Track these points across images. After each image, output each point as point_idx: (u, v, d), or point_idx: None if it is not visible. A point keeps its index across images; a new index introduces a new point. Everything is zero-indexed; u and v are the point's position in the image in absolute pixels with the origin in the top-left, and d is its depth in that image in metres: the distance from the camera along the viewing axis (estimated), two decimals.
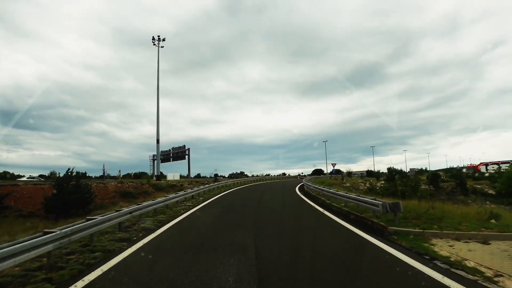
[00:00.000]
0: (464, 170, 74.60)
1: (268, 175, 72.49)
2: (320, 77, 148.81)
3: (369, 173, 76.68)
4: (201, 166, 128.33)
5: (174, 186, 34.96)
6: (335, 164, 46.57)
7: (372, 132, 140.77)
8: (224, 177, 71.97)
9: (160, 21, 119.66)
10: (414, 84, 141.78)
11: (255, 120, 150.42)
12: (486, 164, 75.33)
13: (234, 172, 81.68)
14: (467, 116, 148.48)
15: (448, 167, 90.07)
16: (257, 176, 68.85)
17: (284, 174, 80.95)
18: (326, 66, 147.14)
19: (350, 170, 71.09)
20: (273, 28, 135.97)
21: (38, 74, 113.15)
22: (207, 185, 24.99)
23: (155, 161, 58.94)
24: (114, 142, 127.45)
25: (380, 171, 76.90)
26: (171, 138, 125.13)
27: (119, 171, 58.63)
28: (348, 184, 43.32)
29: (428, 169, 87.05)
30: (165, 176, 50.12)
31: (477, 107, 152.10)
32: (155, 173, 48.60)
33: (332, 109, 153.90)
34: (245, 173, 78.30)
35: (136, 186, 33.97)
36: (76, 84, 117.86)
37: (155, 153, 58.77)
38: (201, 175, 72.48)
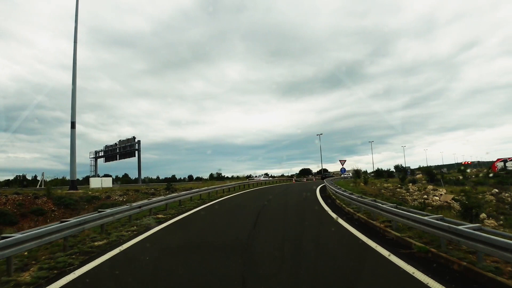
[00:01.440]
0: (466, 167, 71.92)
1: (249, 176, 64.17)
2: (299, 77, 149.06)
3: (378, 173, 69.62)
4: (179, 167, 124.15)
5: (94, 199, 23.47)
6: (344, 161, 37.49)
7: (351, 131, 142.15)
8: (201, 178, 65.45)
9: (137, 20, 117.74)
10: (391, 84, 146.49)
11: (235, 121, 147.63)
12: (505, 160, 69.95)
13: (213, 174, 76.38)
14: (442, 115, 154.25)
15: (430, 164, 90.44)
16: (237, 177, 61.65)
17: (267, 175, 73.54)
18: (305, 66, 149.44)
19: (358, 169, 63.49)
20: (252, 28, 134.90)
21: (12, 75, 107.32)
22: (144, 202, 12.46)
23: (96, 160, 49.08)
24: (91, 144, 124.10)
25: (390, 169, 72.35)
26: (149, 139, 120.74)
27: (42, 174, 43.85)
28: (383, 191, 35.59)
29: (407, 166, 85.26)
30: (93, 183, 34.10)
31: (452, 106, 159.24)
32: (71, 177, 28.58)
33: (311, 109, 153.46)
34: (224, 175, 72.74)
35: (26, 200, 20.94)
36: (52, 85, 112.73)
37: (101, 148, 49.67)
38: (162, 178, 66.07)
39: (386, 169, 75.02)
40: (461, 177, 55.04)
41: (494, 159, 76.96)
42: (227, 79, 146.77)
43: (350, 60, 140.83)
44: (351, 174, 46.88)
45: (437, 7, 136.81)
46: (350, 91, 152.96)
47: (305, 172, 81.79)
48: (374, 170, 76.30)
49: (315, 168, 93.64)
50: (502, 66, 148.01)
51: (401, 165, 65.24)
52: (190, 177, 72.90)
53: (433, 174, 57.09)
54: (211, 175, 75.32)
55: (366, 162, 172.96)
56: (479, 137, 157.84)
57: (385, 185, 42.46)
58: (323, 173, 70.73)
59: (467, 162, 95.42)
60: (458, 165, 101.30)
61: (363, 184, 32.11)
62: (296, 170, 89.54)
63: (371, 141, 77.34)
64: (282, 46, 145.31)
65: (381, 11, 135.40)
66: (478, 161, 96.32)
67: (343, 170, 40.68)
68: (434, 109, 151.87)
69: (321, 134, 67.14)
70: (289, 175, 69.24)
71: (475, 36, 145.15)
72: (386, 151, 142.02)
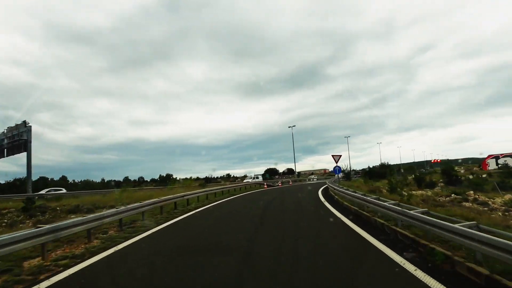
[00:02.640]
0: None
1: (203, 181, 51.38)
2: (263, 77, 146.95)
3: (370, 173, 51.01)
4: (142, 168, 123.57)
5: None
6: (339, 156, 26.02)
7: (314, 131, 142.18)
8: (145, 181, 59.00)
9: (96, 15, 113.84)
10: (352, 85, 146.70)
11: (198, 121, 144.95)
12: (496, 157, 70.82)
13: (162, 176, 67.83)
14: (399, 116, 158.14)
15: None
16: (196, 179, 47.22)
17: (229, 175, 65.73)
18: (268, 67, 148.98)
19: (349, 169, 52.22)
20: (215, 27, 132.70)
21: None
22: None
23: None
24: (48, 145, 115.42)
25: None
26: (110, 139, 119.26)
27: None
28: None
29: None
30: None
31: (409, 107, 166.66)
32: None
33: (274, 109, 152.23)
34: (176, 177, 58.08)
35: None
36: (3, 81, 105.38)
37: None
38: (107, 181, 57.06)
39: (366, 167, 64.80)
40: (471, 177, 47.26)
41: (453, 158, 76.98)
42: (189, 79, 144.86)
43: (312, 61, 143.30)
44: (341, 175, 37.72)
45: (396, 10, 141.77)
46: (312, 91, 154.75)
47: (271, 172, 74.15)
48: (360, 169, 69.67)
49: (280, 168, 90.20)
50: (455, 69, 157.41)
51: (387, 162, 58.10)
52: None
53: (452, 175, 45.12)
54: (161, 177, 69.11)
55: (326, 161, 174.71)
56: (432, 137, 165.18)
57: (415, 192, 25.47)
58: (297, 173, 63.87)
59: (436, 160, 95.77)
60: (427, 163, 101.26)
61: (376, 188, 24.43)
62: (258, 170, 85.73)
63: (347, 136, 69.42)
64: (246, 46, 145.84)
65: (342, 13, 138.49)
66: (448, 159, 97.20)
67: (337, 170, 27.94)
68: (392, 110, 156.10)
69: (294, 126, 60.33)
70: (254, 176, 52.39)
71: (431, 40, 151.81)
72: (347, 150, 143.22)
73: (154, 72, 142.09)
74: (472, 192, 28.00)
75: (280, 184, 45.62)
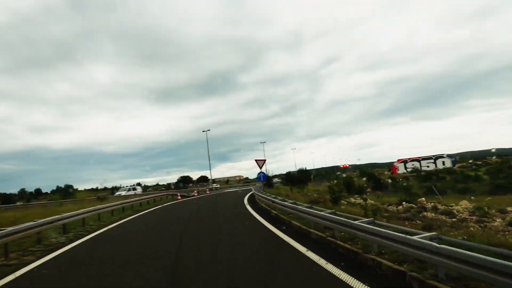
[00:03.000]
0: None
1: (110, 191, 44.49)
2: (174, 83, 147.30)
3: (290, 179, 44.09)
4: (43, 178, 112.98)
5: None
6: (263, 161, 23.12)
7: (225, 138, 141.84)
8: (45, 193, 53.47)
9: None
10: (263, 93, 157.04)
11: (106, 127, 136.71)
12: (405, 161, 78.05)
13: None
14: (308, 124, 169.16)
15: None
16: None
17: (139, 184, 56.53)
18: (179, 72, 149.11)
19: (269, 175, 42.88)
20: (124, 30, 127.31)
21: None
22: None
23: None
24: None
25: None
26: (5, 148, 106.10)
27: None
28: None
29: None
30: None
31: (317, 115, 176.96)
32: None
33: (185, 116, 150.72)
34: (76, 188, 52.31)
35: None
36: None
37: None
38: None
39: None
40: (389, 181, 47.71)
41: (359, 163, 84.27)
42: (96, 82, 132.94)
43: (224, 68, 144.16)
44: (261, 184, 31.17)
45: (304, 23, 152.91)
46: (223, 99, 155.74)
47: (184, 180, 71.72)
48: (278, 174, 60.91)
49: (194, 176, 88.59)
50: (358, 80, 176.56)
51: (305, 167, 54.81)
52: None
53: (377, 179, 45.08)
54: (59, 188, 61.63)
55: (239, 168, 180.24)
56: (339, 143, 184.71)
57: (355, 201, 23.42)
58: (212, 180, 59.85)
59: (346, 165, 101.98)
60: (337, 168, 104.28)
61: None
62: (171, 178, 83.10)
63: (263, 142, 69.24)
64: (156, 51, 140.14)
65: (254, 23, 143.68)
66: (356, 164, 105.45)
67: (261, 177, 23.78)
68: (301, 118, 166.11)
69: (209, 130, 55.18)
70: (130, 187, 46.56)
71: (336, 53, 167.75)
72: (261, 157, 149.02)
73: (57, 74, 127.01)
74: (423, 199, 25.51)
75: (196, 194, 39.00)
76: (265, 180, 26.26)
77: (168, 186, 67.92)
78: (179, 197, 33.44)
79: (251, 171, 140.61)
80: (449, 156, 72.01)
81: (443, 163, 71.08)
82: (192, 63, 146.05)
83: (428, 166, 71.15)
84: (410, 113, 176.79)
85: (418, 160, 76.21)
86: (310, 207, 10.47)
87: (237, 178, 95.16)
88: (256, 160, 21.93)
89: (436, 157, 72.80)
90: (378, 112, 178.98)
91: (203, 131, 54.72)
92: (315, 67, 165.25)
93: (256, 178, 27.02)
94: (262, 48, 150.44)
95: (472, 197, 27.71)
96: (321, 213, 8.67)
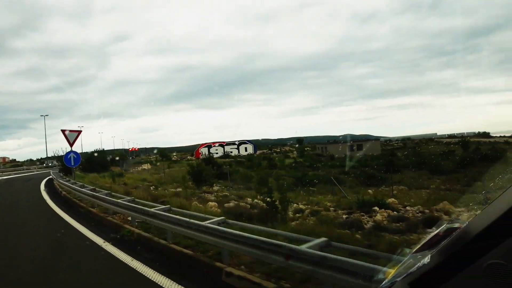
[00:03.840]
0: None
1: None
2: None
3: (89, 162, 34.36)
4: None
5: None
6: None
7: None
8: None
9: None
10: (40, 64, 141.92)
11: None
12: (209, 146, 78.42)
13: None
14: (91, 102, 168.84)
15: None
16: None
17: None
18: None
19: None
20: None
21: None
22: None
23: None
24: None
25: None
26: None
27: None
28: None
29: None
30: None
31: (102, 94, 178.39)
32: None
33: None
34: None
35: None
36: None
37: None
38: None
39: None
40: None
41: (142, 146, 78.26)
42: None
43: None
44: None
45: None
46: None
47: None
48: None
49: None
50: (146, 63, 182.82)
51: (103, 148, 46.97)
52: None
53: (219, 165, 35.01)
54: None
55: (2, 148, 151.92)
56: (123, 126, 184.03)
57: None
58: None
59: (134, 148, 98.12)
60: (126, 151, 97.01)
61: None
62: None
63: (44, 115, 56.86)
64: None
65: None
66: (146, 148, 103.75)
67: (73, 159, 14.56)
68: (84, 95, 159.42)
69: None
70: None
71: (127, 31, 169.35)
72: (28, 136, 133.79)
73: None
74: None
75: None
76: (78, 163, 15.66)
77: None
78: None
79: (18, 152, 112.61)
80: (250, 142, 76.22)
81: (246, 149, 74.07)
82: None
83: (231, 152, 72.28)
84: (194, 101, 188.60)
85: (222, 145, 76.07)
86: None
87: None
88: (64, 132, 14.10)
89: (240, 143, 75.62)
90: (163, 97, 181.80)
91: None
92: (104, 43, 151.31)
93: (63, 160, 18.05)
94: (44, 12, 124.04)
95: None
96: (119, 201, 8.13)
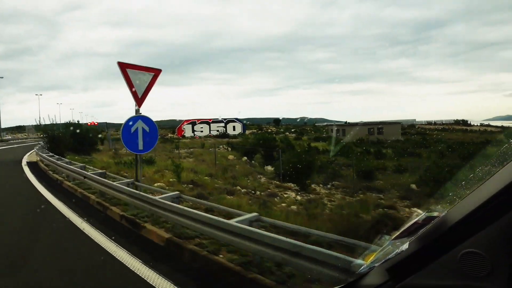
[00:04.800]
0: None
1: None
2: None
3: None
4: None
5: None
6: None
7: None
8: None
9: None
10: None
11: None
12: (193, 123, 70.41)
13: None
14: (39, 73, 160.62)
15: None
16: None
17: None
18: None
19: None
20: None
21: None
22: None
23: None
24: None
25: None
26: None
27: None
28: None
29: None
30: None
31: (51, 65, 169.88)
32: None
33: None
34: None
35: None
36: None
37: None
38: None
39: None
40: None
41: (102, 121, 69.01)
42: None
43: None
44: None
45: None
46: None
47: None
48: None
49: None
50: (102, 36, 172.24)
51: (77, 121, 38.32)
52: None
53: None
54: None
55: None
56: (74, 99, 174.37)
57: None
58: None
59: (94, 123, 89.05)
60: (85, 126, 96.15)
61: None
62: None
63: None
64: None
65: None
66: (106, 123, 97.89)
67: (132, 135, 7.29)
68: (31, 65, 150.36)
69: None
70: None
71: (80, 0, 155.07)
72: None
73: None
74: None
75: None
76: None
77: None
78: None
79: None
80: (238, 120, 69.70)
81: (234, 128, 68.33)
82: None
83: (218, 130, 66.50)
84: None
85: (208, 122, 69.64)
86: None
87: None
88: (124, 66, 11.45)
89: (227, 121, 68.98)
90: (118, 71, 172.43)
91: None
92: (55, 11, 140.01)
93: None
94: None
95: None
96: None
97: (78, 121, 35.49)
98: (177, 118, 68.22)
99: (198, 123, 71.38)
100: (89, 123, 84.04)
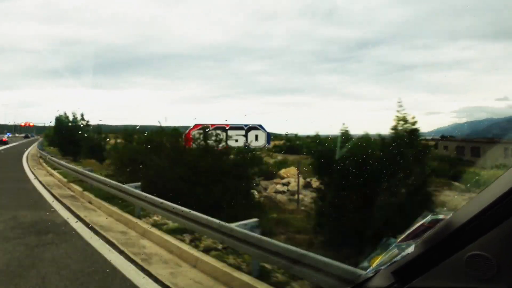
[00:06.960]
0: None
1: None
2: None
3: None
4: None
5: None
6: None
7: None
8: None
9: None
10: None
11: None
12: (204, 128, 73.06)
13: None
14: None
15: None
16: None
17: None
18: None
19: None
20: None
21: None
22: None
23: None
24: None
25: None
26: None
27: None
28: None
29: None
30: None
31: None
32: None
33: None
34: None
35: None
36: None
37: None
38: None
39: None
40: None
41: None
42: None
43: None
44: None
45: None
46: None
47: None
48: None
49: None
50: (28, 30, 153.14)
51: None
52: None
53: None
54: None
55: None
56: None
57: None
58: None
59: (28, 124, 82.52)
60: (16, 127, 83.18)
61: None
62: None
63: None
64: None
65: None
66: (44, 125, 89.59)
67: None
68: None
69: None
70: None
71: None
72: None
73: None
74: None
75: None
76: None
77: None
78: None
79: None
80: (261, 127, 66.87)
81: (256, 137, 63.85)
82: None
83: (236, 140, 61.38)
84: (82, 77, 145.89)
85: (224, 128, 68.21)
86: None
87: None
88: None
89: (249, 128, 66.32)
90: (50, 70, 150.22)
91: None
92: None
93: None
94: None
95: None
96: None
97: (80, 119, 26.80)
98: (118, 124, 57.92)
99: (212, 129, 70.90)
100: (22, 124, 75.22)
